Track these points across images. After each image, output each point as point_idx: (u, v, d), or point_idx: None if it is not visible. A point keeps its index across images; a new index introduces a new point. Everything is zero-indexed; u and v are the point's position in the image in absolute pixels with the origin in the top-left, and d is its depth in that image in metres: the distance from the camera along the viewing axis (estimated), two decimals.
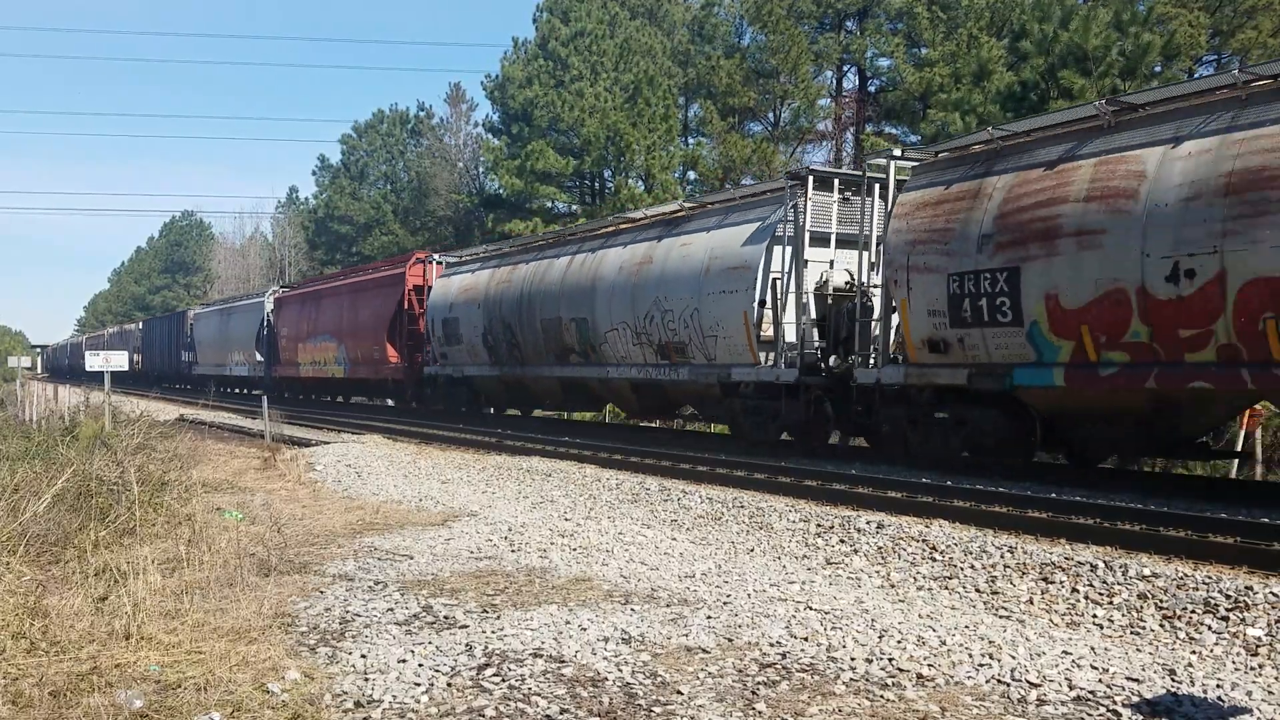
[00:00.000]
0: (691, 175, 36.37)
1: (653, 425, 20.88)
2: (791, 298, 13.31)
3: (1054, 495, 9.00)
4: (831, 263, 13.45)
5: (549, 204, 36.36)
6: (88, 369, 20.63)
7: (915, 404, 11.53)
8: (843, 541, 8.03)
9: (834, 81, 36.88)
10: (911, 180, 11.79)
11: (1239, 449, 12.78)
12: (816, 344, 13.25)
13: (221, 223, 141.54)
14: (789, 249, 13.22)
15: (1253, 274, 8.21)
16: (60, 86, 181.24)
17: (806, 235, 13.29)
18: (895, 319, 11.75)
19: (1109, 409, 9.99)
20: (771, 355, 13.45)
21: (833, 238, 13.50)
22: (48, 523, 7.13)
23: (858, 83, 36.15)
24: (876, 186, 12.70)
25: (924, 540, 7.62)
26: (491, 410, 22.39)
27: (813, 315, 13.30)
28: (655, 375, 15.78)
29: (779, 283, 13.28)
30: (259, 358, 34.21)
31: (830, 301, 13.29)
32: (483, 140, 40.12)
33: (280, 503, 10.77)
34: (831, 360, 12.99)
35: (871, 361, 12.08)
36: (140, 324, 56.83)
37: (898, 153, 12.59)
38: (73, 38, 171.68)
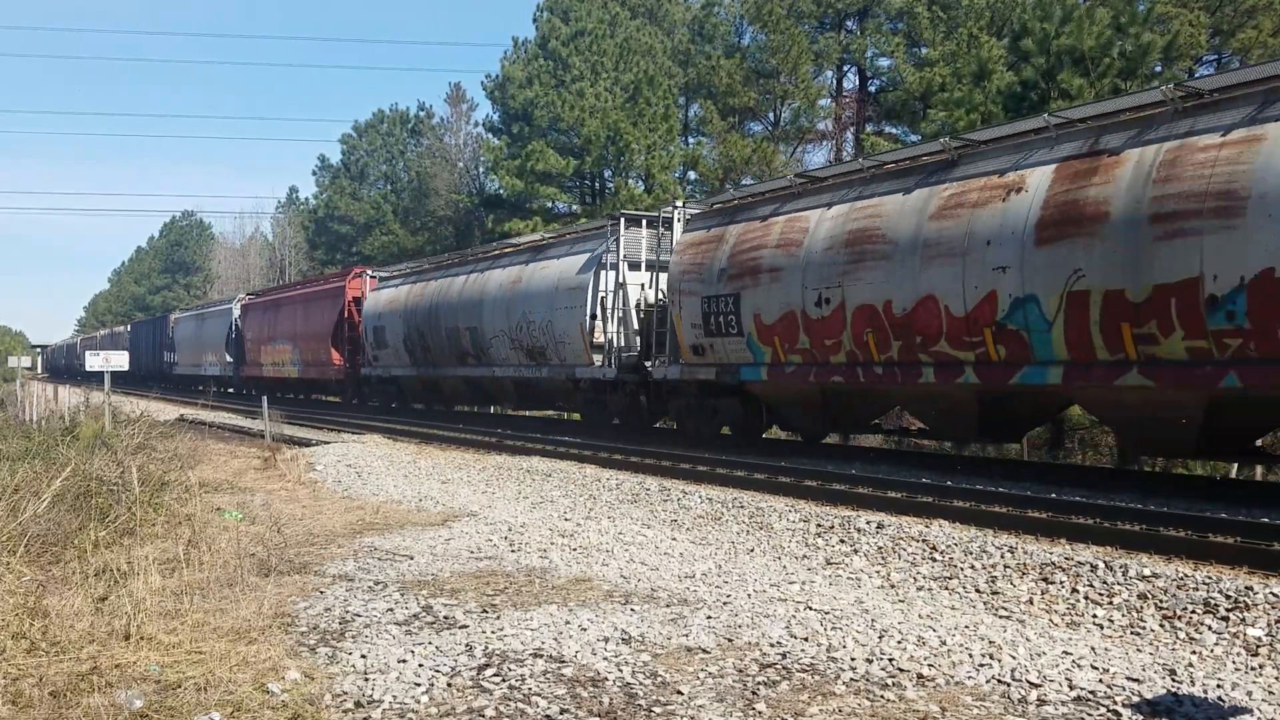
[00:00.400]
0: (692, 175, 36.38)
1: (657, 428, 21.03)
2: (616, 312, 16.68)
3: (1054, 495, 9.01)
4: (643, 285, 16.73)
5: (549, 204, 36.34)
6: (87, 369, 20.77)
7: (688, 395, 15.20)
8: (843, 541, 8.03)
9: (834, 81, 36.89)
10: (687, 224, 15.48)
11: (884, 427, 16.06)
12: (636, 349, 16.43)
13: (221, 223, 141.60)
14: (613, 273, 16.76)
15: (859, 301, 11.70)
16: (60, 86, 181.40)
17: (624, 263, 16.69)
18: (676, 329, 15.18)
19: (796, 396, 13.51)
20: (601, 358, 16.84)
21: (642, 264, 16.81)
22: (48, 523, 7.12)
23: (858, 83, 36.15)
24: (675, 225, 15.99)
25: (924, 540, 7.62)
26: (420, 406, 25.69)
27: (634, 326, 16.54)
28: (526, 374, 19.29)
29: (605, 299, 16.75)
30: (229, 359, 37.89)
31: (643, 315, 16.52)
32: (483, 140, 40.11)
33: (280, 503, 10.77)
34: (647, 361, 15.96)
35: (662, 362, 15.43)
36: (128, 326, 60.02)
37: (680, 203, 16.62)
38: (73, 38, 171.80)
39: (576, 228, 20.37)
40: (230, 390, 38.09)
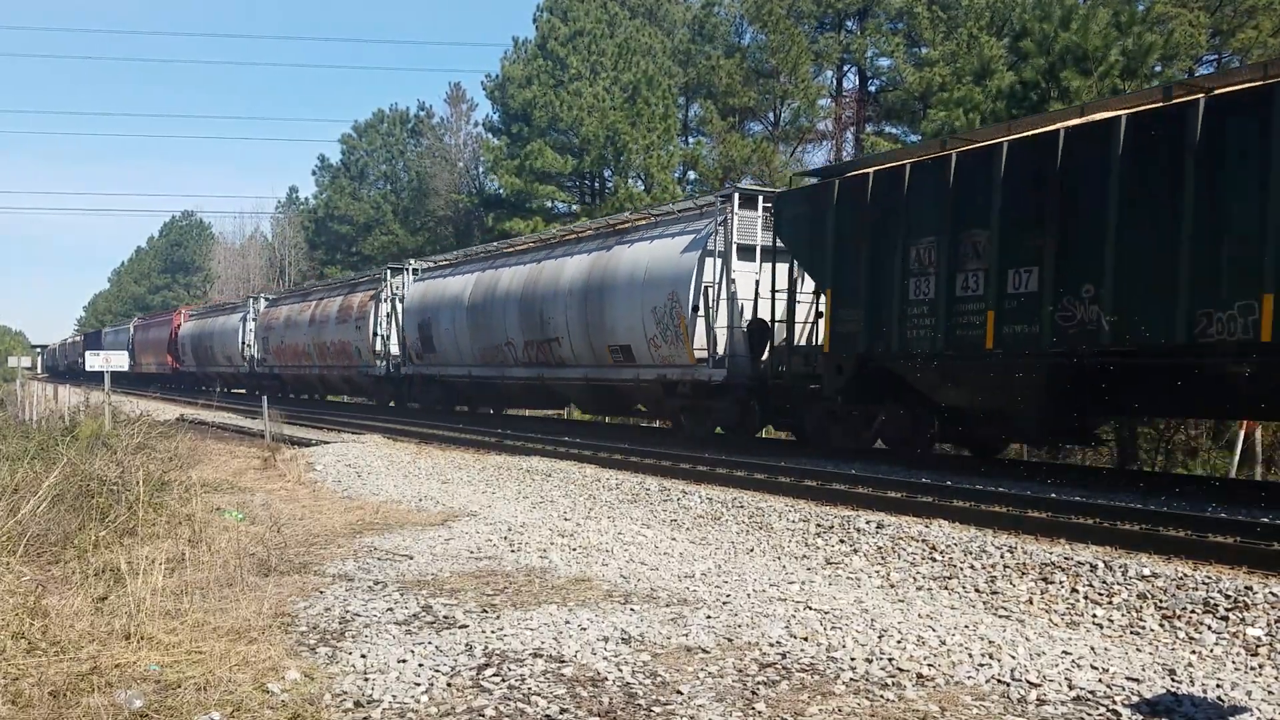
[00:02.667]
0: (692, 175, 36.38)
1: (655, 426, 21.14)
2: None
3: (1054, 495, 9.00)
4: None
5: (549, 204, 36.36)
6: (87, 369, 20.85)
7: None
8: (842, 541, 8.03)
9: (834, 81, 36.91)
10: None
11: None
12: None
13: (221, 223, 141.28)
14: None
15: None
16: (61, 86, 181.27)
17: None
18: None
19: None
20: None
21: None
22: (48, 522, 7.13)
23: (858, 83, 36.15)
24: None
25: (924, 540, 7.62)
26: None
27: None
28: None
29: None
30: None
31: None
32: (483, 140, 40.12)
33: (280, 502, 10.77)
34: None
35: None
36: (108, 330, 65.46)
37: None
38: (74, 38, 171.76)
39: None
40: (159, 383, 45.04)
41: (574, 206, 36.86)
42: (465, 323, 20.91)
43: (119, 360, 20.62)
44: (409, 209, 46.85)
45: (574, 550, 7.89)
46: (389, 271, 25.45)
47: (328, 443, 17.16)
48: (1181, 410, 12.40)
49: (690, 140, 37.05)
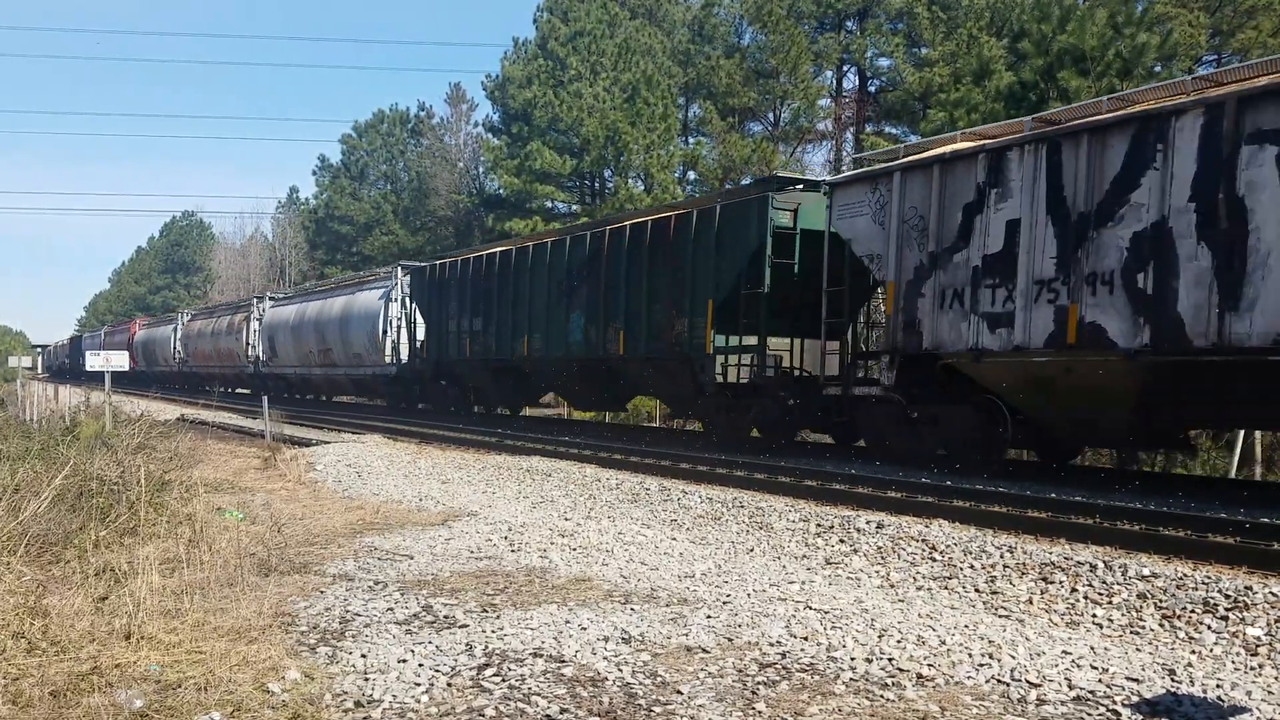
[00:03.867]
0: (691, 175, 36.38)
1: (653, 426, 21.25)
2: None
3: (1054, 495, 9.01)
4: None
5: (548, 204, 36.36)
6: (87, 369, 20.90)
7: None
8: (842, 541, 8.03)
9: (834, 81, 36.89)
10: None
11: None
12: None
13: (221, 223, 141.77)
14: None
15: None
16: (61, 86, 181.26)
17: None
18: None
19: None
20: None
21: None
22: (48, 522, 7.12)
23: (858, 83, 36.15)
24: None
25: (924, 540, 7.62)
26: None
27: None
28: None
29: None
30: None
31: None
32: (483, 140, 40.13)
33: (280, 502, 10.77)
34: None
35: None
36: (87, 335, 73.07)
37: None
38: (74, 38, 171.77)
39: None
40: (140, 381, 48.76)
41: (574, 206, 36.86)
42: (290, 338, 31.64)
43: (119, 360, 20.65)
44: (409, 209, 46.87)
45: (574, 550, 7.89)
46: (255, 300, 36.69)
47: (328, 442, 17.16)
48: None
49: (690, 140, 37.06)
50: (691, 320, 14.72)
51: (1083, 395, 9.94)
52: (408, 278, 24.84)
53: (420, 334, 23.97)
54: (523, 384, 20.75)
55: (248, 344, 35.44)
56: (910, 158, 11.91)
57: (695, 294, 14.64)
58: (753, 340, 14.01)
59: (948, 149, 11.42)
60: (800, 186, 14.27)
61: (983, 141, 11.17)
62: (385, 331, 25.17)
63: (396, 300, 25.21)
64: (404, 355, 24.89)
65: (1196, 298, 8.67)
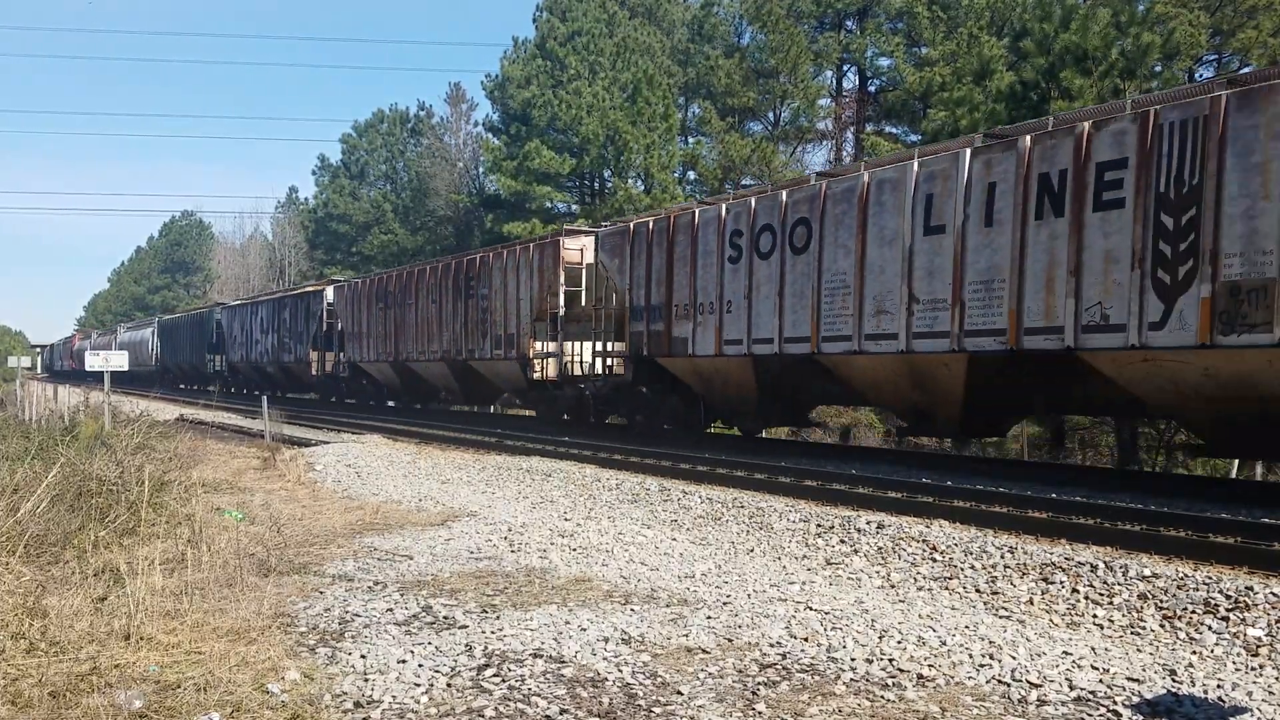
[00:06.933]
0: (691, 175, 36.36)
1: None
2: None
3: (1054, 495, 9.00)
4: None
5: (548, 204, 36.32)
6: (87, 369, 20.92)
7: None
8: (843, 542, 8.02)
9: (834, 81, 36.88)
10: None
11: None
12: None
13: (221, 223, 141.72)
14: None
15: None
16: (61, 86, 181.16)
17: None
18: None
19: None
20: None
21: None
22: (47, 522, 7.11)
23: (858, 82, 36.14)
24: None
25: (924, 540, 7.62)
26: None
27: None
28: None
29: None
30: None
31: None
32: (483, 140, 40.09)
33: (280, 503, 10.76)
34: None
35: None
36: (57, 341, 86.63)
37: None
38: (74, 38, 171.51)
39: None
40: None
41: (573, 206, 36.83)
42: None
43: (119, 360, 20.64)
44: (409, 209, 46.84)
45: (574, 550, 7.88)
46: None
47: (327, 443, 17.15)
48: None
49: (690, 140, 37.03)
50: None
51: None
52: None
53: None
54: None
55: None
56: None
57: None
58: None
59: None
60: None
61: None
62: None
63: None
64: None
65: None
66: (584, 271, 17.85)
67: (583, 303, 17.74)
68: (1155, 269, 8.63)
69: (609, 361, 16.84)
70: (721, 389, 14.20)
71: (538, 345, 18.41)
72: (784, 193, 12.71)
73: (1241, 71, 9.34)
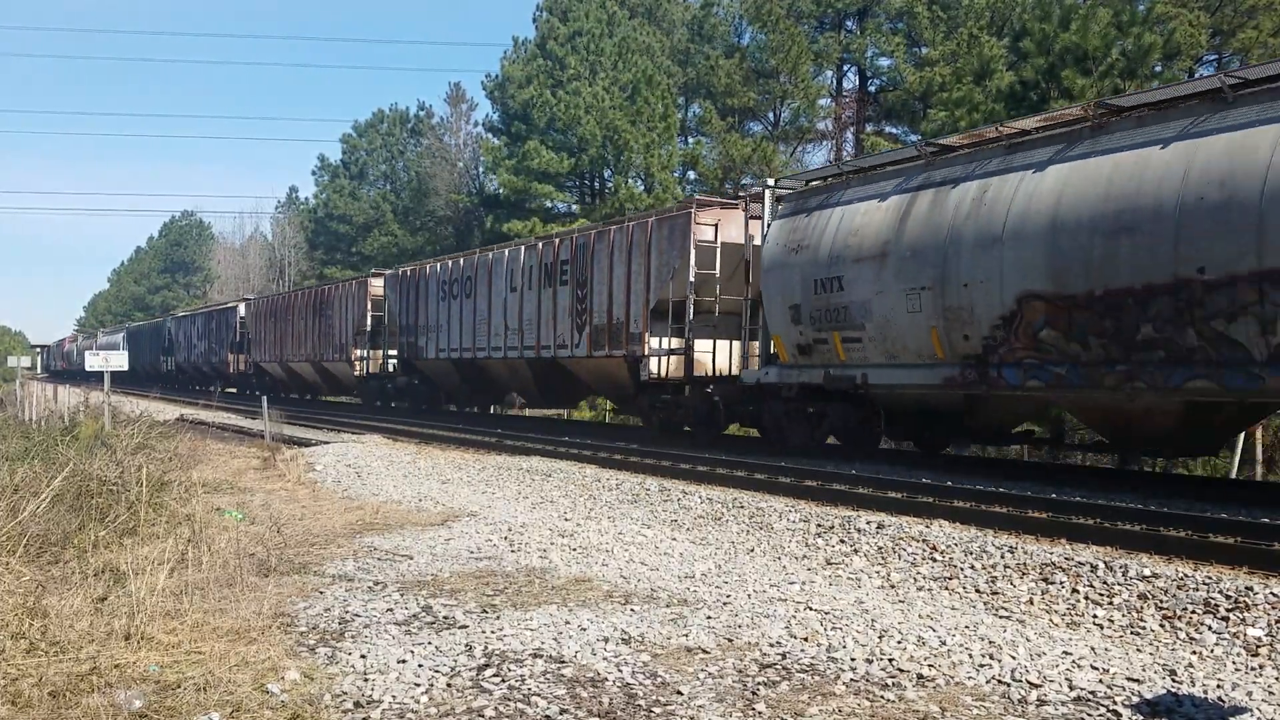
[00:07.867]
0: (691, 175, 36.36)
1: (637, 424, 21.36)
2: None
3: (1054, 495, 9.00)
4: None
5: (548, 204, 36.32)
6: (87, 369, 20.90)
7: None
8: (843, 542, 8.03)
9: (834, 81, 36.87)
10: None
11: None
12: None
13: (221, 223, 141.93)
14: None
15: None
16: (61, 86, 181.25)
17: None
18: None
19: None
20: None
21: None
22: (47, 522, 7.12)
23: (858, 82, 36.14)
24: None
25: (924, 540, 7.62)
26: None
27: None
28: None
29: None
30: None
31: None
32: (482, 140, 40.10)
33: (280, 503, 10.76)
34: None
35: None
36: (51, 343, 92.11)
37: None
38: (74, 38, 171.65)
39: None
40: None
41: (573, 206, 36.83)
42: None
43: (119, 360, 20.66)
44: (409, 209, 46.84)
45: (574, 550, 7.88)
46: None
47: (328, 443, 17.15)
48: None
49: (690, 140, 37.04)
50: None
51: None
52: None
53: None
54: None
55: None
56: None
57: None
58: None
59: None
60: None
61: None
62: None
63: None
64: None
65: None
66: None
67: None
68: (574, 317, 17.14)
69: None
70: None
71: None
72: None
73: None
